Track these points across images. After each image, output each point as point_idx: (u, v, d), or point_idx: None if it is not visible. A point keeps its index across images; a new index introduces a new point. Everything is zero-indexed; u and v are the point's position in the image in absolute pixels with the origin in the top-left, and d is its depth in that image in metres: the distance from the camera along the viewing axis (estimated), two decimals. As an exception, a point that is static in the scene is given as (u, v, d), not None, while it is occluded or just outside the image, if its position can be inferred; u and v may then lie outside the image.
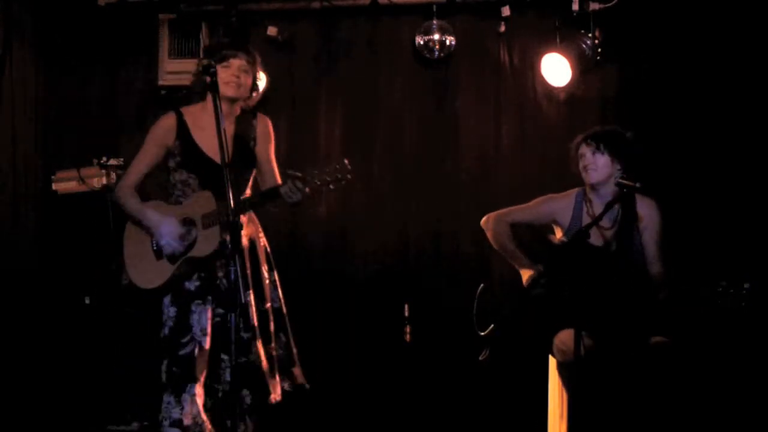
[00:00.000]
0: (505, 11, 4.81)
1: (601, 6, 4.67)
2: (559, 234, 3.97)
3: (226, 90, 3.61)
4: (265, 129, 3.85)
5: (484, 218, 4.05)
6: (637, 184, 3.54)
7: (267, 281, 3.77)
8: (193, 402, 3.49)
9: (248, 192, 3.77)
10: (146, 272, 3.63)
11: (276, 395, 3.69)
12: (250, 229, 3.75)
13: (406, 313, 4.88)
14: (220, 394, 3.58)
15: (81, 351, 4.70)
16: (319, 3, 4.93)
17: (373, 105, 5.06)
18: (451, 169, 4.99)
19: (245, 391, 3.62)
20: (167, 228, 3.57)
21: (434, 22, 4.86)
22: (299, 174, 3.43)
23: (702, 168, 4.62)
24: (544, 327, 3.78)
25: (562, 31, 4.79)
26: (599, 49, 4.71)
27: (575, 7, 4.69)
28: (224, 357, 3.56)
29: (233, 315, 3.03)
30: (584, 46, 4.71)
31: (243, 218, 3.68)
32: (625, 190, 3.59)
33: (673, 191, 4.35)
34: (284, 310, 3.83)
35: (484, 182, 4.95)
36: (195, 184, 3.66)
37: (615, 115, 4.72)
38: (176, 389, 3.51)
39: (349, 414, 4.88)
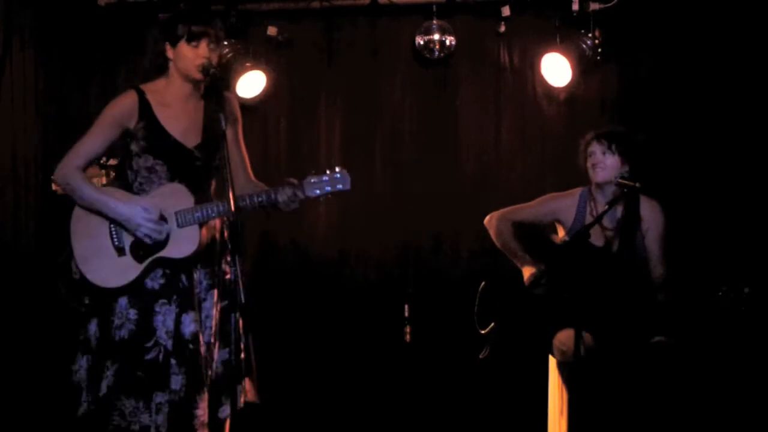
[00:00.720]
0: (505, 11, 4.81)
1: (601, 6, 4.68)
2: (561, 233, 3.97)
3: (194, 73, 3.26)
4: (233, 109, 3.45)
5: (487, 217, 4.04)
6: (637, 184, 3.54)
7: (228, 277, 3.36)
8: (160, 411, 3.21)
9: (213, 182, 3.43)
10: (103, 269, 3.27)
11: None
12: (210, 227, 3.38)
13: (406, 314, 4.89)
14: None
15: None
16: (319, 3, 4.93)
17: (373, 105, 5.06)
18: (451, 168, 4.99)
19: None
20: (145, 216, 3.22)
21: (434, 22, 4.86)
22: (296, 182, 3.24)
23: (702, 169, 4.62)
24: (544, 326, 3.78)
25: (562, 31, 4.79)
26: (599, 49, 4.72)
27: (575, 7, 4.70)
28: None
29: (233, 314, 2.98)
30: (584, 46, 4.71)
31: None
32: (624, 190, 3.60)
33: (673, 192, 4.34)
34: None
35: (484, 181, 4.96)
36: (162, 171, 3.29)
37: (615, 115, 4.73)
38: (143, 395, 3.22)
39: (350, 414, 4.87)
